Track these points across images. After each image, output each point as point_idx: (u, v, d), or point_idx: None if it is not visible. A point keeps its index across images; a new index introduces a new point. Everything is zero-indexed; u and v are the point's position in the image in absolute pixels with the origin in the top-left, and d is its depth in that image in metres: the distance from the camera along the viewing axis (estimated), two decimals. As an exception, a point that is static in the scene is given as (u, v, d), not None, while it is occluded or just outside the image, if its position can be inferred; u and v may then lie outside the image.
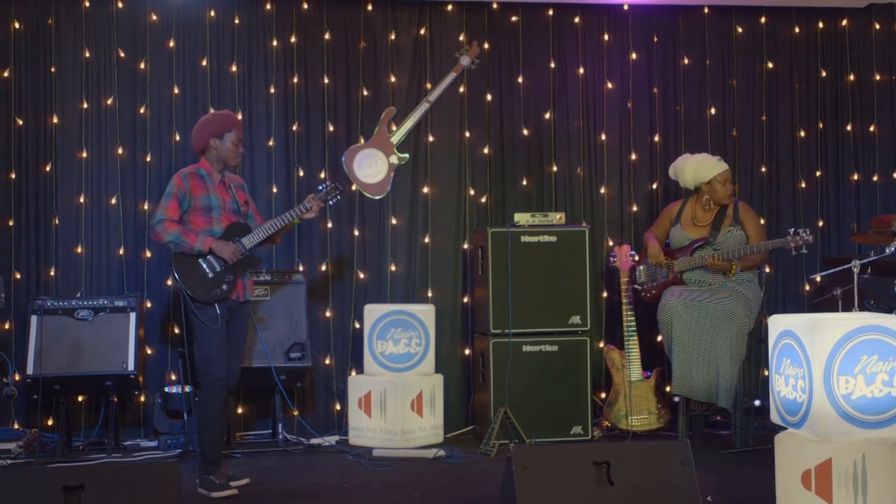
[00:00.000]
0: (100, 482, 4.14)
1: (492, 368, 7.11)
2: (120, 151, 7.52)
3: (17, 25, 7.46)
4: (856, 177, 8.20)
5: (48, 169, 7.46)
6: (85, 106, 7.51)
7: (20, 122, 7.45)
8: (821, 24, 8.21)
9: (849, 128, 8.21)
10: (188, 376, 6.30)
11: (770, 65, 8.16)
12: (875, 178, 8.19)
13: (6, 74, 7.44)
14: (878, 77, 8.22)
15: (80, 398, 7.27)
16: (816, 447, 4.50)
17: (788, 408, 4.70)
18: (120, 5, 7.55)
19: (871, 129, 8.20)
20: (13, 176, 7.42)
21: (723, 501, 5.37)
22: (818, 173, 8.20)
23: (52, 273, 7.42)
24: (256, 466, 6.47)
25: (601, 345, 7.67)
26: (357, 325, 7.57)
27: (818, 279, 7.80)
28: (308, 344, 7.17)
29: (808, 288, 7.98)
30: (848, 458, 4.43)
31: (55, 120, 7.48)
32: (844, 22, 8.22)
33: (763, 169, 8.14)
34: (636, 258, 7.32)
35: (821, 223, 8.15)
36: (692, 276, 6.99)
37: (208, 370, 5.82)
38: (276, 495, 5.76)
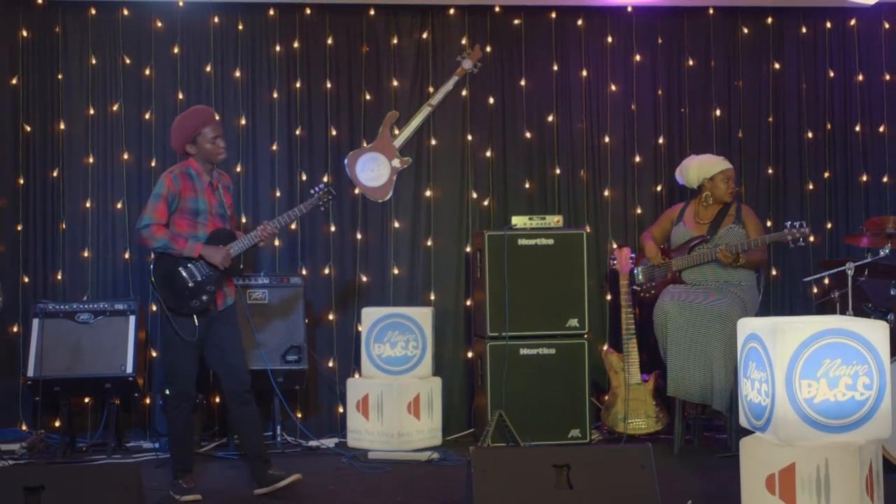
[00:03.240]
0: (60, 483, 4.21)
1: (489, 371, 7.12)
2: (125, 157, 7.63)
3: (24, 34, 7.60)
4: (865, 178, 8.10)
5: (55, 174, 7.59)
6: (91, 112, 7.64)
7: (28, 129, 7.59)
8: (829, 24, 8.11)
9: (857, 128, 8.10)
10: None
11: (777, 65, 8.09)
12: (885, 180, 8.09)
13: (14, 82, 7.58)
14: (887, 77, 8.11)
15: (85, 400, 7.38)
16: (780, 451, 4.47)
17: (754, 411, 4.68)
18: (125, 13, 7.66)
19: (881, 129, 8.10)
20: (21, 181, 7.57)
21: (700, 506, 5.36)
22: (826, 175, 8.10)
23: (59, 277, 7.55)
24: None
25: (605, 347, 7.65)
26: (359, 328, 7.61)
27: (826, 281, 7.70)
28: (305, 347, 7.21)
29: (815, 290, 7.89)
30: (811, 463, 4.40)
31: (62, 126, 7.61)
32: (853, 22, 8.12)
33: (770, 170, 8.07)
34: (636, 261, 7.31)
35: (829, 225, 8.06)
36: (690, 275, 6.97)
37: (174, 382, 5.76)
38: (259, 496, 5.80)
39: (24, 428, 7.38)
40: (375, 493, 5.90)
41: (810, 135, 8.10)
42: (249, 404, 5.84)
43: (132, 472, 4.29)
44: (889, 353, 4.55)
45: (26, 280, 7.53)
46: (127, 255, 7.58)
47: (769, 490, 4.48)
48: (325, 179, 7.68)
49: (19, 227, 7.55)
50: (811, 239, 7.81)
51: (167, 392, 5.89)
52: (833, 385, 4.43)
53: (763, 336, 4.56)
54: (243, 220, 7.56)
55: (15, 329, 7.46)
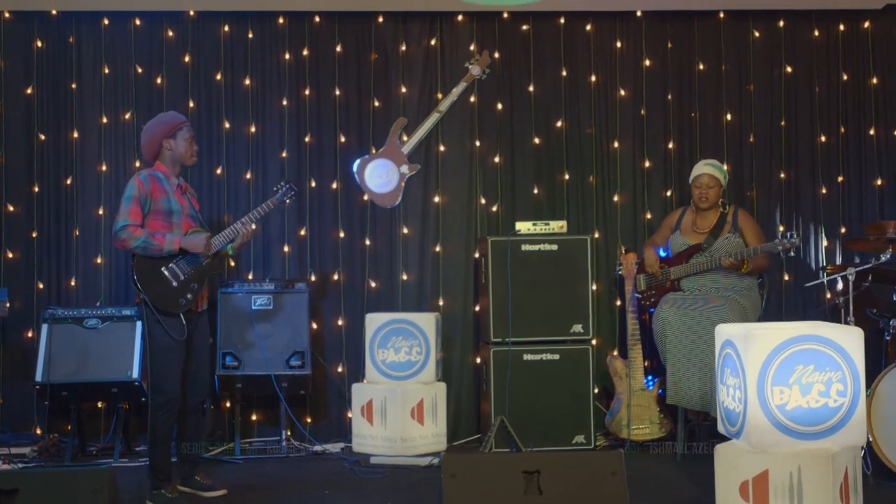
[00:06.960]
0: (34, 486, 4.28)
1: (492, 377, 7.12)
2: (137, 165, 7.70)
3: (39, 44, 7.73)
4: (879, 182, 8.00)
5: (69, 182, 7.72)
6: (104, 121, 7.75)
7: (42, 138, 7.71)
8: (842, 27, 8.01)
9: (872, 132, 8.00)
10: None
11: (789, 69, 8.00)
12: (900, 184, 8.01)
13: (29, 91, 7.72)
14: (902, 79, 8.03)
15: (98, 405, 7.49)
16: (753, 458, 4.44)
17: (729, 418, 4.65)
18: (137, 23, 7.76)
19: (896, 132, 8.03)
20: (36, 189, 7.70)
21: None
22: (840, 179, 8.01)
23: (73, 283, 7.67)
24: (252, 472, 6.61)
25: (614, 353, 7.62)
26: (366, 334, 7.65)
27: (840, 286, 7.61)
28: (308, 352, 7.26)
29: (828, 295, 7.80)
30: (784, 470, 4.37)
31: (76, 135, 7.73)
32: (866, 24, 8.02)
33: (782, 175, 7.99)
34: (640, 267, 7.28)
35: (843, 230, 7.96)
36: (689, 283, 6.94)
37: (162, 386, 5.70)
38: (250, 502, 5.86)
39: (38, 432, 7.50)
40: (367, 497, 5.94)
41: (823, 138, 8.01)
42: (199, 412, 6.01)
43: (105, 476, 4.36)
44: (863, 358, 4.49)
45: (41, 286, 7.66)
46: (139, 262, 7.67)
47: (743, 497, 4.45)
48: (334, 186, 7.75)
49: (34, 234, 7.68)
50: (823, 243, 7.79)
51: (153, 397, 5.74)
52: (806, 392, 4.40)
53: (736, 342, 4.53)
54: (252, 227, 7.60)
55: (30, 335, 7.58)
